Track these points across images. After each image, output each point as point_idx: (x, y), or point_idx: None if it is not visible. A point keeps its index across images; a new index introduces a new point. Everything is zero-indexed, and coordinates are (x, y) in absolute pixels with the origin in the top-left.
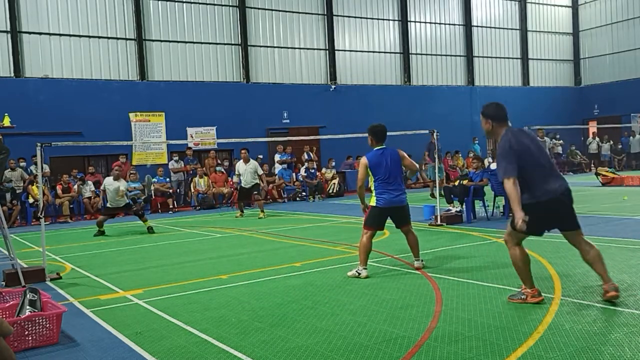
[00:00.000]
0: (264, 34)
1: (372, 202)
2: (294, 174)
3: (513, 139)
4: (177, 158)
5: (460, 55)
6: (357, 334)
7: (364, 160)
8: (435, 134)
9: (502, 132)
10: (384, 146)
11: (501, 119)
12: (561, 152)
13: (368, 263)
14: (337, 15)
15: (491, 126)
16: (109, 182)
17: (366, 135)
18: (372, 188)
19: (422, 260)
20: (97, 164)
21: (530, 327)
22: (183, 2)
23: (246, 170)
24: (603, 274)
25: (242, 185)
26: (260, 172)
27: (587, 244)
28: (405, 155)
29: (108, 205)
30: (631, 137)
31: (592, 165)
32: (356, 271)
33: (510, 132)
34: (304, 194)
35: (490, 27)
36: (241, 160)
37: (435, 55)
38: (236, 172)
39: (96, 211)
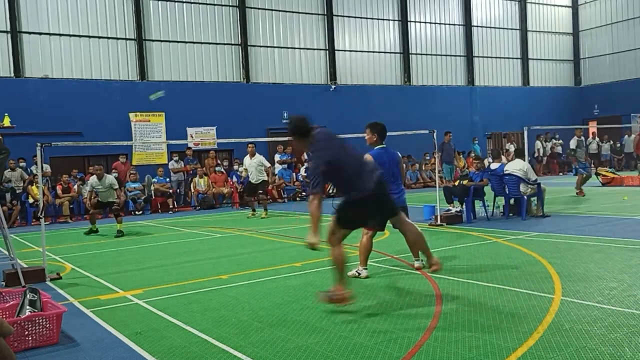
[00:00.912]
0: (264, 34)
1: None
2: (293, 174)
3: (323, 147)
4: (177, 158)
5: (460, 55)
6: (357, 334)
7: (368, 157)
8: (449, 135)
9: (311, 142)
10: (384, 145)
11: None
12: (561, 152)
13: (368, 263)
14: (337, 15)
15: (297, 142)
16: (95, 183)
17: (366, 135)
18: None
19: (422, 260)
20: (97, 164)
21: (530, 327)
22: (183, 2)
23: (251, 165)
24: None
25: (249, 180)
26: (267, 164)
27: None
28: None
29: (99, 199)
30: (626, 136)
31: (592, 165)
32: (356, 271)
33: (318, 141)
34: (304, 194)
35: (490, 27)
36: (247, 155)
37: (435, 55)
38: (243, 167)
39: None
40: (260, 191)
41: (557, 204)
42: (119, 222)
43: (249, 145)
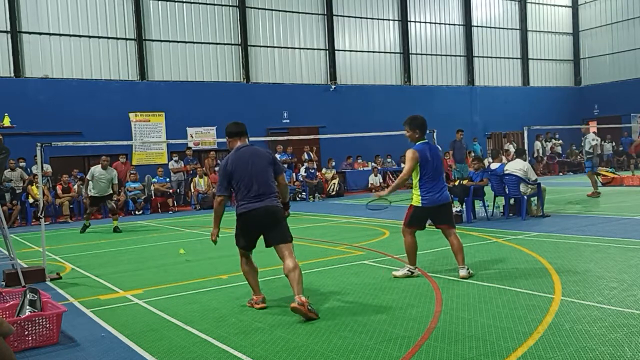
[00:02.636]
0: (264, 34)
1: (417, 201)
2: (294, 174)
3: (231, 158)
4: (177, 158)
5: (460, 55)
6: (357, 334)
7: (414, 153)
8: (461, 133)
9: (234, 146)
10: (426, 140)
11: (233, 135)
12: (561, 152)
13: (368, 263)
14: (337, 15)
15: (229, 142)
16: (99, 172)
17: (366, 135)
18: (417, 185)
19: (468, 269)
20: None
21: (530, 327)
22: (183, 2)
23: None
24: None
25: None
26: None
27: (290, 257)
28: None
29: (95, 194)
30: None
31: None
32: (408, 270)
33: (235, 151)
34: (304, 194)
35: (490, 27)
36: None
37: (435, 55)
38: None
39: (96, 211)
40: None
41: (557, 204)
42: (115, 220)
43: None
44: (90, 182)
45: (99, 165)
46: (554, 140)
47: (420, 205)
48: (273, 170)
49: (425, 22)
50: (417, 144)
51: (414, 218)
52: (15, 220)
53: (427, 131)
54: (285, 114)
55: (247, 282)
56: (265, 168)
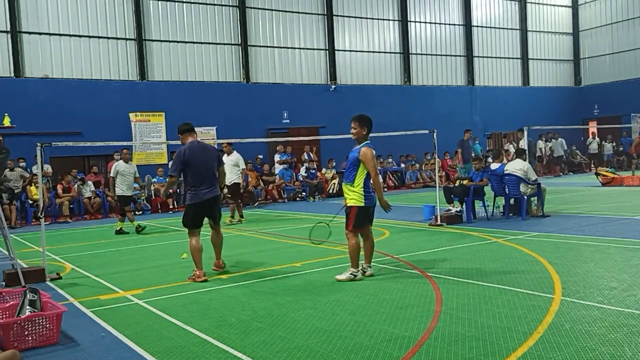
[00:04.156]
0: (264, 34)
1: (359, 201)
2: (294, 174)
3: (187, 150)
4: None
5: (460, 55)
6: (357, 334)
7: (373, 151)
8: (469, 133)
9: (187, 141)
10: (369, 140)
11: (184, 132)
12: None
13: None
14: (337, 15)
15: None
16: (123, 166)
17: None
18: (360, 185)
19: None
20: (97, 164)
21: (530, 327)
22: (183, 2)
23: (227, 164)
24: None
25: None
26: (242, 165)
27: (217, 233)
28: None
29: (125, 193)
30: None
31: (592, 165)
32: (351, 274)
33: (189, 145)
34: (304, 194)
35: (490, 27)
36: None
37: (435, 55)
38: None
39: (96, 211)
40: (229, 195)
41: (557, 204)
42: (131, 220)
43: (224, 144)
44: (115, 179)
45: (120, 160)
46: (553, 140)
47: (363, 204)
48: (217, 164)
49: (425, 22)
50: (367, 142)
51: (359, 218)
52: (16, 221)
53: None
54: (285, 114)
55: (194, 259)
56: (213, 163)
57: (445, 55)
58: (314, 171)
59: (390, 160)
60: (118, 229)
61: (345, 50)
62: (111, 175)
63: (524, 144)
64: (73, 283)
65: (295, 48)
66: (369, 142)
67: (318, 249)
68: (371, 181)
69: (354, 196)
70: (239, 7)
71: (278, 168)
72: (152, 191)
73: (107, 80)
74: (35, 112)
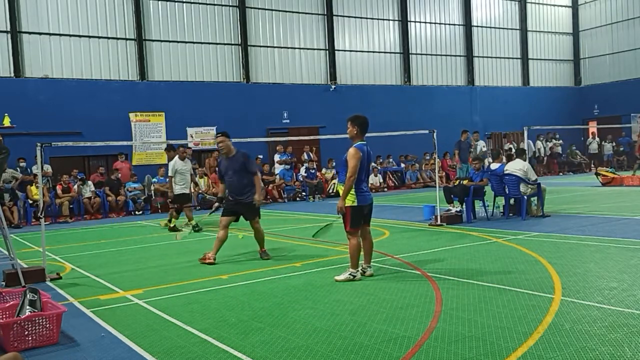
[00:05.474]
0: (264, 34)
1: (352, 201)
2: (294, 174)
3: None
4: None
5: (460, 55)
6: (357, 334)
7: (358, 152)
8: (466, 134)
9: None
10: (365, 141)
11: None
12: (561, 152)
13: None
14: (337, 15)
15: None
16: (181, 164)
17: (366, 135)
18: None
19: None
20: (98, 164)
21: (530, 327)
22: (183, 2)
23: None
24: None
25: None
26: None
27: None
28: None
29: (184, 189)
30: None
31: (592, 165)
32: (350, 274)
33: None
34: (304, 194)
35: (490, 27)
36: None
37: (435, 55)
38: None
39: (96, 211)
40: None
41: (557, 204)
42: (190, 218)
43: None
44: (173, 178)
45: (176, 158)
46: (554, 140)
47: (356, 204)
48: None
49: (425, 22)
50: (358, 143)
51: (354, 218)
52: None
53: (367, 134)
54: (285, 114)
55: (216, 247)
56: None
57: (445, 55)
58: (313, 171)
59: (390, 160)
60: (172, 225)
61: (345, 50)
62: (170, 174)
63: (525, 145)
64: (73, 283)
65: (295, 48)
66: (363, 142)
67: (318, 249)
68: (365, 182)
69: (347, 196)
70: (239, 7)
71: (278, 168)
72: (152, 191)
73: (107, 80)
74: (35, 112)
